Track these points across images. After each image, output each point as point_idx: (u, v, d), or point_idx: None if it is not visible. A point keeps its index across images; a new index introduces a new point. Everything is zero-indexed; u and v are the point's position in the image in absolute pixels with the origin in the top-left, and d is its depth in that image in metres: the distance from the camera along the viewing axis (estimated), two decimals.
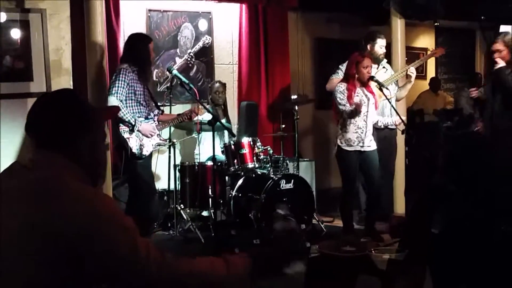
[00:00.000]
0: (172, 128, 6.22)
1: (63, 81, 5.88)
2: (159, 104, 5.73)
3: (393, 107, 5.91)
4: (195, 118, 5.81)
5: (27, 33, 5.77)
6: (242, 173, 6.14)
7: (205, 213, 6.36)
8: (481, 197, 2.27)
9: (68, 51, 5.93)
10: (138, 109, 5.29)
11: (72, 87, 5.74)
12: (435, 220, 2.46)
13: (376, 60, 6.16)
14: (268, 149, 6.23)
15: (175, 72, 5.46)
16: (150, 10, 7.01)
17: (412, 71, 6.17)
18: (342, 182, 5.77)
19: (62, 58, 5.92)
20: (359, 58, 5.55)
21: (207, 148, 6.38)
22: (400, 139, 6.39)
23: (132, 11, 6.87)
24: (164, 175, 6.27)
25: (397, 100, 6.34)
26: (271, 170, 6.10)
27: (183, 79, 5.40)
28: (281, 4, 7.53)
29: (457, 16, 8.28)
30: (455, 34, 9.96)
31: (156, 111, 5.50)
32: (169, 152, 5.99)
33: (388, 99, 5.79)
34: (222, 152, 6.25)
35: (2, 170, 1.84)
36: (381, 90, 5.59)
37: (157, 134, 5.45)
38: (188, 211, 6.11)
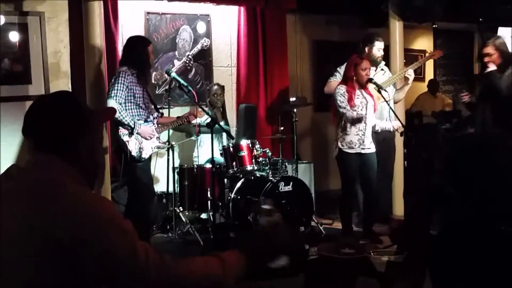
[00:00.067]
0: (171, 131, 6.22)
1: (62, 83, 5.89)
2: (158, 106, 5.72)
3: (392, 109, 5.91)
4: (194, 121, 5.82)
5: (25, 36, 5.78)
6: (241, 176, 6.14)
7: (204, 216, 6.36)
8: (480, 199, 2.27)
9: (66, 54, 5.94)
10: (137, 112, 5.29)
11: (70, 90, 5.75)
12: (433, 221, 2.46)
13: (374, 63, 6.17)
14: (267, 151, 6.23)
15: (173, 74, 5.46)
16: (148, 13, 7.01)
17: (410, 73, 6.18)
18: (342, 184, 5.77)
19: (60, 61, 5.93)
20: (358, 60, 5.56)
21: (206, 150, 6.38)
22: (399, 141, 6.39)
23: (131, 14, 6.87)
24: (163, 177, 6.27)
25: (395, 102, 6.34)
26: (270, 172, 6.10)
27: (182, 81, 5.40)
28: (280, 7, 7.53)
29: (455, 18, 8.28)
30: (454, 36, 9.97)
31: (155, 114, 5.50)
32: (168, 155, 5.99)
33: (386, 101, 5.79)
34: (221, 154, 6.25)
35: (1, 171, 1.84)
36: (379, 92, 5.60)
37: (157, 137, 5.44)
38: (187, 213, 6.11)
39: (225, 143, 6.46)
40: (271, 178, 5.92)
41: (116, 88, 5.15)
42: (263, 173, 6.17)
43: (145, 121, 5.34)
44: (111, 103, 5.10)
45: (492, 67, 5.53)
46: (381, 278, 3.06)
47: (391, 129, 5.84)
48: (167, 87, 6.42)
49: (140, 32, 6.74)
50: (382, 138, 6.19)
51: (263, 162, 6.19)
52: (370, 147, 5.65)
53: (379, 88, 5.57)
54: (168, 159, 5.99)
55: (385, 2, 6.86)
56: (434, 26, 8.91)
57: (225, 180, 6.33)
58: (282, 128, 6.72)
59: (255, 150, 6.07)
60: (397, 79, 6.37)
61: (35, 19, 5.79)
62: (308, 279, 3.56)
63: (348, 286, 3.27)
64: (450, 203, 2.34)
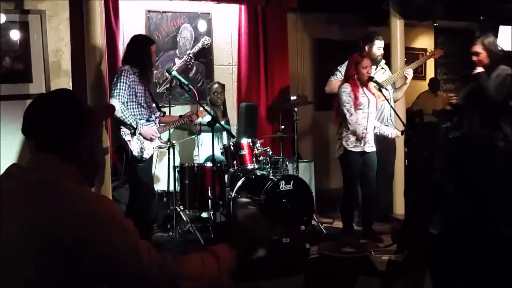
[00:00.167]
0: (172, 129, 6.22)
1: (62, 82, 5.89)
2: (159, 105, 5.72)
3: (392, 108, 5.91)
4: (197, 120, 5.81)
5: (26, 35, 5.78)
6: (242, 174, 6.14)
7: (204, 215, 6.36)
8: (480, 198, 2.27)
9: (67, 53, 5.94)
10: (139, 111, 5.28)
11: (71, 88, 5.74)
12: (434, 220, 2.46)
13: (374, 61, 6.16)
14: (268, 150, 6.23)
15: (174, 73, 5.45)
16: (149, 11, 7.00)
17: (409, 72, 6.17)
18: (345, 183, 5.76)
19: (61, 60, 5.93)
20: (359, 59, 5.57)
21: (206, 149, 6.38)
22: (400, 140, 6.39)
23: (131, 12, 6.87)
24: (163, 176, 6.27)
25: (394, 102, 6.34)
26: (271, 171, 6.10)
27: (183, 80, 5.40)
28: (280, 5, 7.53)
29: (456, 16, 8.29)
30: (454, 35, 9.95)
31: (157, 113, 5.50)
32: (169, 154, 5.99)
33: (387, 100, 5.80)
34: (221, 153, 6.25)
35: (2, 171, 1.84)
36: (380, 90, 5.60)
37: (158, 137, 5.44)
38: (187, 212, 6.11)
39: (225, 141, 6.47)
40: (271, 177, 5.92)
41: (118, 87, 5.14)
42: (264, 172, 6.17)
43: (147, 120, 5.34)
44: (114, 102, 5.09)
45: (479, 69, 5.46)
46: (381, 277, 3.06)
47: (389, 136, 5.82)
48: (168, 85, 6.42)
49: (141, 30, 6.74)
50: (383, 137, 6.19)
51: (264, 160, 6.19)
52: (373, 145, 5.66)
53: (380, 86, 5.58)
54: (168, 158, 5.99)
55: (386, 0, 6.86)
56: (435, 24, 8.91)
57: (226, 178, 6.33)
58: (283, 126, 6.72)
59: (255, 149, 6.07)
60: (397, 78, 6.36)
61: (36, 17, 5.79)
62: (309, 278, 3.57)
63: (349, 285, 3.27)
64: (450, 202, 2.34)
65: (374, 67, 6.13)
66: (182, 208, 6.05)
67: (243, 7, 7.44)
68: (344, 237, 5.63)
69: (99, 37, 5.45)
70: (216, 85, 6.78)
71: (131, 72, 5.20)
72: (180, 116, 5.70)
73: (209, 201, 5.98)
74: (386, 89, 5.85)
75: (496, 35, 8.54)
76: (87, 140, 1.85)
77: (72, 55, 5.93)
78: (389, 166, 6.54)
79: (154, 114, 5.44)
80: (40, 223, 1.61)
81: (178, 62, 7.14)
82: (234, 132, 6.82)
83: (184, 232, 6.03)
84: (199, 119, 5.80)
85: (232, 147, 6.06)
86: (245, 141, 6.07)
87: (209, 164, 6.02)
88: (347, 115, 5.49)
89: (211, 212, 5.91)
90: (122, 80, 5.14)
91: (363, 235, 5.73)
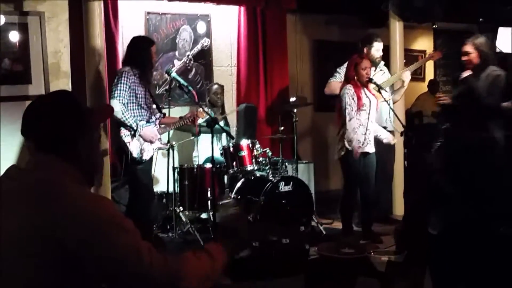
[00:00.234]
0: (172, 130, 6.22)
1: (62, 83, 5.88)
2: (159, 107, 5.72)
3: (392, 109, 5.91)
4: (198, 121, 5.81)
5: (25, 36, 5.77)
6: (241, 176, 6.14)
7: (204, 215, 6.35)
8: (479, 198, 2.27)
9: (66, 54, 5.93)
10: (139, 112, 5.27)
11: (70, 90, 5.74)
12: (433, 221, 2.46)
13: (373, 63, 6.15)
14: (267, 151, 6.23)
15: (173, 74, 5.45)
16: (148, 13, 7.01)
17: (406, 75, 6.17)
18: (346, 184, 5.75)
19: (60, 61, 5.92)
20: (358, 60, 5.57)
21: (206, 150, 6.38)
22: (399, 141, 6.40)
23: (131, 14, 6.87)
24: (163, 177, 6.27)
25: (392, 104, 6.34)
26: (270, 172, 6.10)
27: (182, 81, 5.40)
28: (280, 6, 7.53)
29: (455, 18, 8.29)
30: (454, 36, 9.95)
31: (158, 115, 5.49)
32: (168, 155, 5.99)
33: (386, 101, 5.80)
34: (221, 154, 6.25)
35: (1, 172, 1.84)
36: (379, 92, 5.61)
37: (158, 138, 5.44)
38: (187, 213, 6.10)
39: (224, 143, 6.47)
40: (271, 178, 5.92)
41: (119, 88, 5.14)
42: (263, 173, 6.17)
43: (147, 121, 5.33)
44: (114, 103, 5.09)
45: (466, 73, 5.44)
46: (381, 278, 3.06)
47: (384, 141, 5.82)
48: (167, 87, 6.41)
49: (140, 32, 6.74)
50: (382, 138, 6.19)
51: (263, 162, 6.19)
52: (373, 146, 5.67)
53: (379, 88, 5.58)
54: (168, 159, 5.99)
55: (385, 2, 6.87)
56: (434, 26, 8.92)
57: (225, 180, 6.33)
58: (282, 128, 6.71)
59: (255, 150, 6.07)
60: (394, 81, 6.36)
61: (35, 19, 5.79)
62: (308, 278, 3.57)
63: (348, 285, 3.28)
64: (450, 203, 2.34)
65: (373, 68, 6.14)
66: (181, 209, 6.05)
67: (242, 8, 7.45)
68: (343, 238, 5.64)
69: (98, 39, 5.45)
70: (215, 86, 6.80)
71: (132, 74, 5.20)
72: (181, 118, 5.70)
73: (209, 202, 5.98)
74: (386, 91, 5.85)
75: (495, 37, 8.54)
76: (86, 140, 1.85)
77: (72, 57, 5.92)
78: (388, 167, 6.54)
79: (154, 116, 5.44)
80: (40, 224, 1.62)
81: (178, 64, 7.14)
82: (233, 133, 6.82)
83: (183, 233, 6.03)
84: (200, 120, 5.80)
85: (231, 148, 6.06)
86: (244, 142, 6.07)
87: (208, 165, 6.02)
88: (347, 119, 5.49)
89: (211, 213, 5.91)
90: (122, 81, 5.14)
91: (362, 236, 5.73)
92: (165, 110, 5.90)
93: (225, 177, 6.34)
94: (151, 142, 5.31)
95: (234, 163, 6.04)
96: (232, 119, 7.27)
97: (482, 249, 2.20)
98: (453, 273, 2.28)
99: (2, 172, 1.84)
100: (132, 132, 5.19)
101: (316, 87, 8.22)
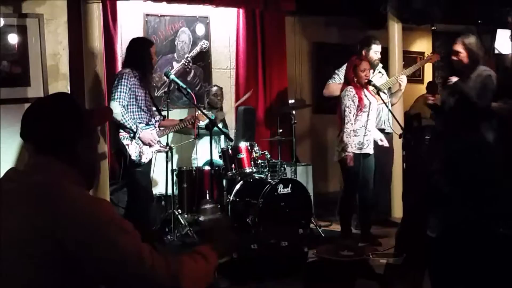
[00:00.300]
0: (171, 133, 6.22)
1: (61, 86, 5.88)
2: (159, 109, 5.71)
3: (390, 111, 5.92)
4: (199, 124, 5.80)
5: (24, 38, 5.77)
6: (240, 178, 6.13)
7: (202, 218, 6.34)
8: (478, 200, 2.27)
9: (65, 56, 5.93)
10: (139, 114, 5.27)
11: (69, 92, 5.74)
12: (431, 223, 2.46)
13: (371, 65, 6.16)
14: (266, 153, 6.23)
15: (172, 77, 5.46)
16: (147, 15, 7.00)
17: (402, 79, 6.17)
18: (346, 186, 5.74)
19: (59, 63, 5.92)
20: (357, 62, 5.58)
21: (205, 153, 6.38)
22: (398, 143, 6.39)
23: (130, 16, 6.86)
24: (161, 180, 6.26)
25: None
26: (269, 174, 6.10)
27: (181, 83, 5.40)
28: (279, 8, 7.52)
29: (454, 20, 8.29)
30: (452, 38, 9.93)
31: (157, 117, 5.49)
32: (167, 157, 5.99)
33: (385, 103, 5.81)
34: (220, 156, 6.25)
35: (0, 175, 1.85)
36: (378, 94, 5.62)
37: (157, 141, 5.43)
38: (185, 216, 6.10)
39: (223, 145, 6.47)
40: (270, 180, 5.92)
41: (119, 90, 5.13)
42: (262, 176, 6.17)
43: (147, 124, 5.33)
44: (114, 105, 5.08)
45: (454, 79, 5.40)
46: (380, 280, 3.06)
47: (379, 142, 5.82)
48: (166, 89, 6.41)
49: (139, 34, 6.74)
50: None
51: (262, 164, 6.19)
52: (372, 148, 5.68)
53: (378, 90, 5.59)
54: (166, 161, 5.99)
55: (384, 4, 6.87)
56: (433, 28, 8.92)
57: (224, 182, 6.33)
58: (281, 130, 6.71)
59: (254, 152, 6.07)
60: (391, 84, 6.36)
61: (34, 21, 5.78)
62: (307, 281, 3.57)
63: None
64: (448, 204, 2.34)
65: (371, 71, 6.14)
66: (180, 212, 6.04)
67: (241, 10, 7.44)
68: (342, 241, 5.63)
69: (97, 41, 5.45)
70: (215, 88, 6.80)
71: (132, 75, 5.20)
72: (181, 120, 5.70)
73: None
74: (384, 93, 5.85)
75: (494, 39, 8.55)
76: (86, 143, 1.86)
77: (70, 59, 5.92)
78: (387, 170, 6.54)
79: (154, 118, 5.44)
80: (39, 225, 1.62)
81: (176, 66, 7.14)
82: (232, 135, 6.81)
83: (182, 235, 6.01)
84: (201, 123, 5.80)
85: (230, 151, 6.06)
86: (243, 145, 6.07)
87: (207, 167, 6.02)
88: (345, 121, 5.49)
89: None
90: (122, 83, 5.13)
91: (361, 239, 5.73)
92: (163, 113, 5.90)
93: (224, 179, 6.33)
94: (150, 145, 5.30)
95: (233, 166, 6.04)
96: (231, 121, 7.27)
97: (481, 251, 2.20)
98: (452, 276, 2.28)
99: (1, 173, 1.84)
100: (132, 135, 5.19)
101: (315, 89, 8.21)
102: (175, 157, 6.46)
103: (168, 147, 5.87)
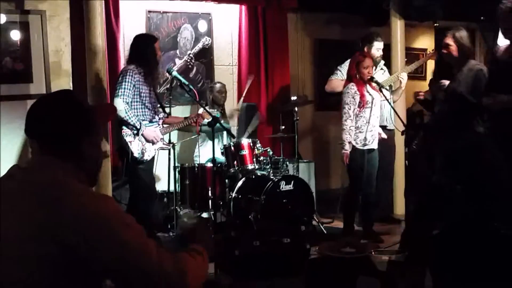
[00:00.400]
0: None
1: (63, 82, 5.89)
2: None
3: (393, 108, 5.91)
4: (204, 121, 5.80)
5: (26, 35, 5.78)
6: (242, 175, 6.13)
7: (205, 215, 6.35)
8: (480, 198, 2.27)
9: (67, 53, 5.93)
10: (142, 111, 5.27)
11: (71, 89, 5.74)
12: (434, 221, 2.46)
13: (374, 62, 6.15)
14: (268, 150, 6.23)
15: (174, 73, 5.45)
16: (149, 11, 7.00)
17: (403, 76, 6.16)
18: (351, 182, 5.72)
19: (61, 60, 5.93)
20: (360, 58, 5.58)
21: (207, 149, 6.38)
22: (400, 140, 6.39)
23: (132, 12, 6.87)
24: (164, 176, 6.27)
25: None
26: (271, 171, 6.10)
27: (183, 80, 5.40)
28: (281, 5, 7.53)
29: (456, 16, 8.27)
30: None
31: (161, 115, 5.49)
32: (169, 154, 5.99)
33: (387, 100, 5.80)
34: (222, 153, 6.24)
35: (2, 171, 1.85)
36: (380, 90, 5.61)
37: (161, 138, 5.43)
38: (188, 212, 6.10)
39: (225, 142, 6.47)
40: (272, 177, 5.92)
41: (123, 86, 5.13)
42: (264, 172, 6.17)
43: (150, 121, 5.33)
44: (118, 102, 5.08)
45: (446, 82, 5.36)
46: (382, 277, 3.06)
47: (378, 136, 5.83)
48: (168, 86, 6.41)
49: (142, 30, 6.74)
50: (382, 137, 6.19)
51: (264, 161, 6.19)
52: (377, 143, 5.68)
53: (380, 86, 5.58)
54: (169, 158, 5.99)
55: (387, 0, 6.86)
56: (435, 24, 8.89)
57: (226, 179, 6.33)
58: (283, 127, 6.71)
59: (256, 149, 6.07)
60: (392, 81, 6.35)
61: (36, 17, 5.79)
62: (309, 278, 3.57)
63: (349, 285, 3.28)
64: (451, 202, 2.34)
65: (373, 67, 6.13)
66: (182, 208, 6.05)
67: (243, 7, 7.45)
68: (344, 238, 5.63)
69: (100, 37, 5.44)
70: (219, 85, 6.80)
71: (137, 72, 5.19)
72: (186, 118, 5.70)
73: (210, 201, 5.98)
74: (387, 89, 5.85)
75: (496, 35, 8.52)
76: (89, 140, 1.86)
77: (73, 55, 5.93)
78: (389, 167, 6.54)
79: (158, 115, 5.43)
80: (43, 222, 1.63)
81: (179, 63, 7.15)
82: (234, 132, 6.81)
83: None
84: (205, 121, 5.81)
85: (232, 148, 6.06)
86: (245, 142, 6.07)
87: (209, 164, 6.02)
88: (343, 118, 5.49)
89: (212, 213, 5.91)
90: (127, 80, 5.13)
91: (363, 235, 5.73)
92: (166, 109, 5.90)
93: (226, 176, 6.33)
94: (153, 142, 5.30)
95: (235, 162, 6.04)
96: (233, 118, 7.26)
97: (483, 249, 2.20)
98: (454, 273, 2.28)
99: (2, 170, 1.85)
100: (135, 132, 5.19)
101: (317, 86, 8.21)
102: (177, 154, 6.46)
103: (171, 144, 5.87)
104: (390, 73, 6.54)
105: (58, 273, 1.62)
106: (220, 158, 6.23)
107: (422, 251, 2.50)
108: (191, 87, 5.44)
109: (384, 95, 5.65)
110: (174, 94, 6.57)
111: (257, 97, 7.53)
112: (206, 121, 5.68)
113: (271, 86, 7.65)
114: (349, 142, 5.51)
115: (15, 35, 5.75)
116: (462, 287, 2.23)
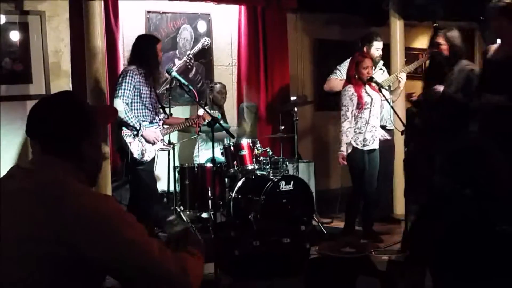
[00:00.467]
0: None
1: (62, 83, 5.89)
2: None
3: (392, 108, 5.90)
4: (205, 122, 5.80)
5: (26, 35, 5.78)
6: (242, 175, 6.13)
7: (204, 215, 6.35)
8: (481, 198, 2.27)
9: (67, 53, 5.94)
10: (143, 112, 5.26)
11: (71, 89, 5.75)
12: (435, 222, 2.46)
13: (373, 62, 6.15)
14: (268, 150, 6.23)
15: (174, 74, 5.45)
16: (149, 12, 7.00)
17: (402, 76, 6.16)
18: (353, 182, 5.73)
19: (61, 60, 5.93)
20: (360, 58, 5.58)
21: (206, 150, 6.38)
22: (400, 140, 6.39)
23: (131, 13, 6.87)
24: (163, 176, 6.27)
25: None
26: (271, 171, 6.10)
27: (183, 80, 5.39)
28: (280, 6, 7.52)
29: (456, 16, 8.27)
30: None
31: (161, 115, 5.48)
32: (169, 154, 5.99)
33: (387, 100, 5.80)
34: (221, 153, 6.24)
35: (2, 171, 1.85)
36: (380, 91, 5.61)
37: (161, 139, 5.43)
38: (187, 212, 6.11)
39: (225, 142, 6.47)
40: (271, 177, 5.92)
41: (123, 87, 5.12)
42: (264, 172, 6.17)
43: (150, 122, 5.32)
44: (118, 103, 5.08)
45: (440, 87, 5.35)
46: (382, 277, 3.06)
47: (380, 138, 5.83)
48: (167, 86, 6.41)
49: (141, 31, 6.74)
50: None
51: (264, 161, 6.19)
52: (378, 143, 5.68)
53: (380, 86, 5.58)
54: (168, 158, 5.99)
55: (386, 0, 6.86)
56: (435, 24, 8.89)
57: (226, 179, 6.33)
58: (282, 127, 6.71)
59: (255, 149, 6.07)
60: (391, 82, 6.35)
61: (35, 18, 5.79)
62: (309, 278, 3.57)
63: (349, 285, 3.28)
64: (452, 203, 2.34)
65: (373, 68, 6.13)
66: (182, 209, 6.05)
67: (242, 7, 7.44)
68: (345, 237, 5.63)
69: (99, 38, 5.44)
70: (219, 85, 6.80)
71: (137, 73, 5.19)
72: (187, 119, 5.70)
73: (209, 201, 5.98)
74: (386, 89, 5.85)
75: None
76: (90, 141, 1.87)
77: (72, 56, 5.93)
78: (389, 166, 6.54)
79: (158, 116, 5.43)
80: (44, 223, 1.63)
81: (178, 63, 7.14)
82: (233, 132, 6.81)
83: None
84: (206, 121, 5.81)
85: (232, 148, 6.06)
86: (245, 142, 6.07)
87: (209, 164, 6.02)
88: (341, 120, 5.50)
89: (211, 213, 5.91)
90: (127, 81, 5.13)
91: (363, 235, 5.73)
92: (166, 110, 5.91)
93: (226, 176, 6.34)
94: (153, 143, 5.30)
95: (235, 163, 6.04)
96: (233, 118, 7.26)
97: (484, 249, 2.20)
98: (454, 273, 2.28)
99: (2, 170, 1.85)
100: (135, 132, 5.18)
101: (316, 86, 8.20)
102: (177, 154, 6.46)
103: (171, 145, 5.87)
104: (390, 73, 6.54)
105: (58, 273, 1.62)
106: (220, 158, 6.23)
107: (422, 251, 2.50)
108: (190, 87, 5.44)
109: (383, 95, 5.65)
110: (174, 94, 6.57)
111: (257, 97, 7.52)
112: (206, 121, 5.68)
113: (270, 86, 7.65)
114: (346, 144, 5.51)
115: (15, 35, 5.76)
116: (462, 287, 2.23)
